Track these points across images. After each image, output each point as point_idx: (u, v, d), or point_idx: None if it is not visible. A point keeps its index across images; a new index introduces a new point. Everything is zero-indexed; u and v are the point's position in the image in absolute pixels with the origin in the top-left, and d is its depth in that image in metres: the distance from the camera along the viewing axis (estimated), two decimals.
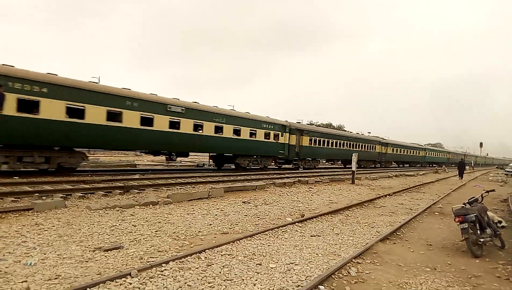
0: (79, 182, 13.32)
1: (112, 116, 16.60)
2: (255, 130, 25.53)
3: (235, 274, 5.37)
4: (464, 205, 7.89)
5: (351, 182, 21.75)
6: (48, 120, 14.42)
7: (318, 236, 8.14)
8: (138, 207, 9.95)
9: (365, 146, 43.65)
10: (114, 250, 6.19)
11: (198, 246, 6.68)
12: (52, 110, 14.50)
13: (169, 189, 13.65)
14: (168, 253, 6.27)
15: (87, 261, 5.61)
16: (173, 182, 15.45)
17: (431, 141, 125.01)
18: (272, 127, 27.34)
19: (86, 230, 7.29)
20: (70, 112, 15.15)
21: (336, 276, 5.57)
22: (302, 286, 5.00)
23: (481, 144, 75.23)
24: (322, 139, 34.31)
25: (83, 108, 15.51)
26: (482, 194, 8.71)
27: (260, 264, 5.87)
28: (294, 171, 27.58)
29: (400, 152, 55.38)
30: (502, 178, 36.65)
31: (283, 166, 30.43)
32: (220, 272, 5.38)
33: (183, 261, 5.72)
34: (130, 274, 4.95)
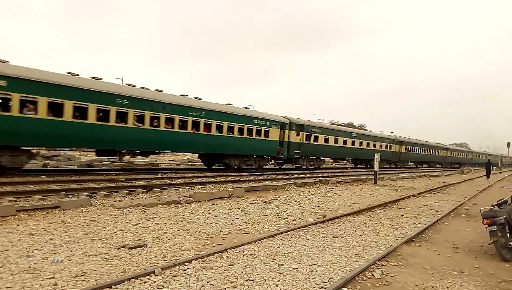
0: (103, 181, 13.62)
1: (335, 141, 32.40)
2: (381, 144, 41.63)
3: (257, 274, 5.35)
4: (492, 207, 7.62)
5: (373, 182, 21.44)
6: (320, 144, 30.47)
7: (341, 237, 8.04)
8: (160, 205, 10.09)
9: (434, 151, 56.44)
10: (138, 248, 6.29)
11: (220, 246, 6.71)
12: (300, 137, 28.60)
13: (191, 188, 13.79)
14: (191, 252, 6.32)
15: (112, 259, 5.72)
16: (195, 181, 15.58)
17: (456, 141, 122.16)
18: (388, 141, 43.62)
19: (110, 228, 7.44)
20: (314, 138, 29.76)
21: (360, 278, 5.48)
22: (325, 288, 4.94)
23: (508, 144, 72.80)
24: (411, 147, 48.96)
25: (318, 136, 30.19)
26: (511, 196, 8.41)
27: (282, 265, 5.84)
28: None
29: (455, 155, 68.80)
30: None
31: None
32: (242, 272, 5.38)
33: (205, 260, 5.75)
34: (154, 272, 5.00)
